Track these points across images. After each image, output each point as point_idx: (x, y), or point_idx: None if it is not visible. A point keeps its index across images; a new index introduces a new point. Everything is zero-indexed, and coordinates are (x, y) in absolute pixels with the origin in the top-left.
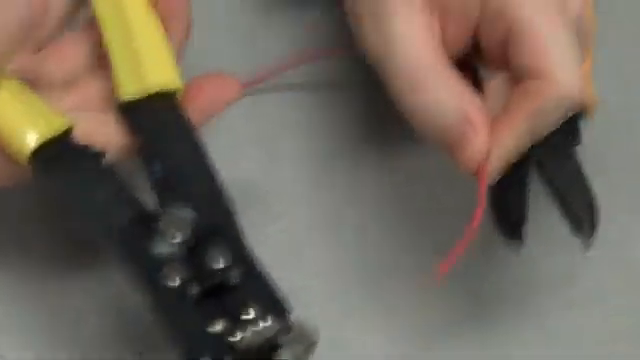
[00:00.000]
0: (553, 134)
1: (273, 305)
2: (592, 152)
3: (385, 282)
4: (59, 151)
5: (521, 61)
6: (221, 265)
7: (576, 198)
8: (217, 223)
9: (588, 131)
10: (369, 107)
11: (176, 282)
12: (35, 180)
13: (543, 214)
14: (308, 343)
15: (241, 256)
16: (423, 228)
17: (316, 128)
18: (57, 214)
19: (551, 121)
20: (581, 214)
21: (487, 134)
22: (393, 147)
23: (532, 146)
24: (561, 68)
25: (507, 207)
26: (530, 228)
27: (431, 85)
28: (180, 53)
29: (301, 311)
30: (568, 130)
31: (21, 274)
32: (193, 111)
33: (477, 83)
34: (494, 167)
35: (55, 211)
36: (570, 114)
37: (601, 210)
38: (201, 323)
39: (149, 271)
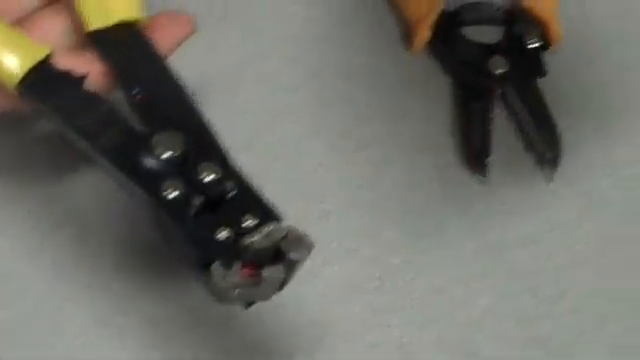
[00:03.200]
0: (517, 66)
1: (269, 213)
2: (555, 86)
3: None
4: (44, 77)
5: None
6: (213, 178)
7: (540, 131)
8: (203, 141)
9: (552, 65)
10: None
11: (177, 194)
12: (25, 106)
13: (508, 145)
14: (306, 247)
15: (230, 170)
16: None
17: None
18: None
19: None
20: (545, 146)
21: None
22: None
23: (496, 78)
24: None
25: (471, 138)
26: (493, 159)
27: None
28: None
29: None
30: (532, 62)
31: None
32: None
33: None
34: None
35: None
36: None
37: (565, 143)
38: (208, 231)
39: (150, 185)
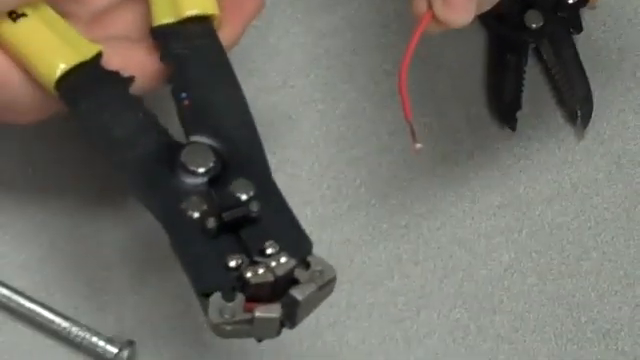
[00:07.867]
0: (553, 21)
1: (292, 242)
2: (591, 42)
3: None
4: (87, 78)
5: None
6: (244, 197)
7: (572, 87)
8: (243, 154)
9: (589, 21)
10: None
11: (195, 214)
12: (65, 109)
13: (539, 100)
14: (323, 282)
15: (265, 189)
16: None
17: None
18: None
19: None
20: (576, 103)
21: None
22: None
23: (531, 32)
24: None
25: (503, 91)
26: (524, 113)
27: None
28: None
29: None
30: (568, 18)
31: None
32: (226, 28)
33: None
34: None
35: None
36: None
37: (597, 101)
38: (217, 257)
39: (169, 203)
